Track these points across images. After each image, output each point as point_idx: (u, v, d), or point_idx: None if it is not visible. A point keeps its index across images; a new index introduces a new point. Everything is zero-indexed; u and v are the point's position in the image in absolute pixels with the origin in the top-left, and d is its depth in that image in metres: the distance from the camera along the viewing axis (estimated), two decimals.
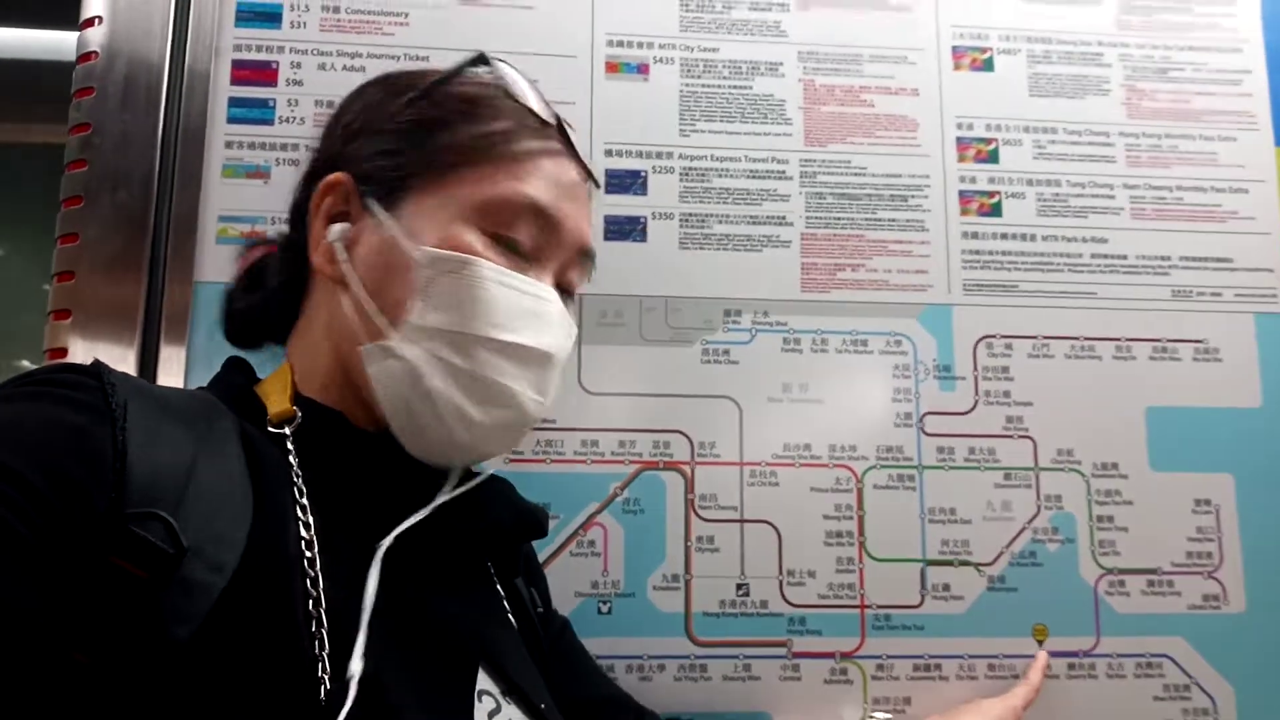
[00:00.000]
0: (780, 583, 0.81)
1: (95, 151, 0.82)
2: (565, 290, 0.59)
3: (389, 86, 0.59)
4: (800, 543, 0.82)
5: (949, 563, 0.83)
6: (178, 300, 0.81)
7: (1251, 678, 0.83)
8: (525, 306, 0.54)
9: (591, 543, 0.81)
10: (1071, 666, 0.82)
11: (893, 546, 0.83)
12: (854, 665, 0.81)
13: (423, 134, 0.55)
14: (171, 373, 0.79)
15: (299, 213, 0.59)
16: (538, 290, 0.55)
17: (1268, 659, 0.83)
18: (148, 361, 0.79)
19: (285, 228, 0.62)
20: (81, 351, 0.79)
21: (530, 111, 0.57)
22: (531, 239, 0.55)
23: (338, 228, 0.55)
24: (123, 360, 0.79)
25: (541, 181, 0.55)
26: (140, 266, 0.81)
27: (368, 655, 0.44)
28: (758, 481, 0.83)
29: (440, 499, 0.53)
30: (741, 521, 0.82)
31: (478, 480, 0.57)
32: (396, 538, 0.50)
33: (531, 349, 0.54)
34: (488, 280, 0.52)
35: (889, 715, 0.77)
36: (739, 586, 0.81)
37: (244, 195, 0.83)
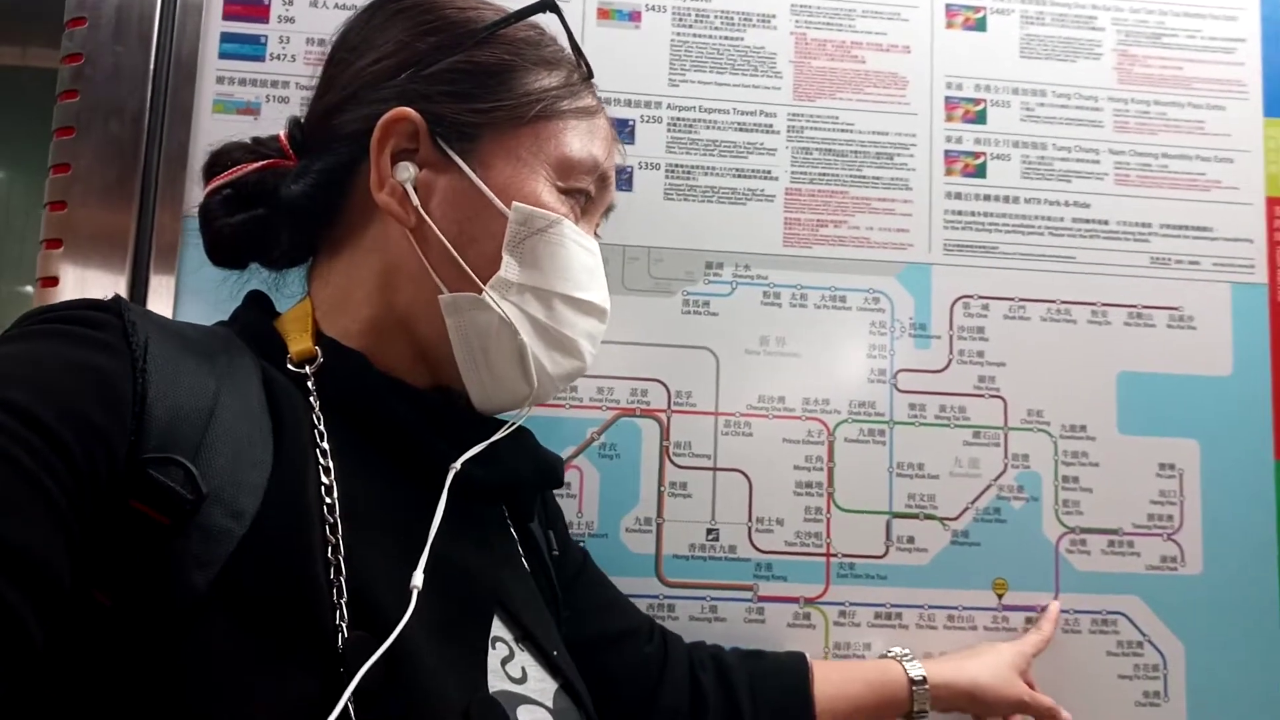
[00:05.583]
0: (749, 529, 0.84)
1: (87, 82, 0.82)
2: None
3: (429, 20, 0.55)
4: (770, 491, 0.84)
5: (914, 515, 0.85)
6: (168, 232, 0.82)
7: (1203, 637, 0.85)
8: (590, 264, 0.57)
9: (568, 484, 0.83)
10: (1029, 620, 0.85)
11: (860, 498, 0.85)
12: (817, 610, 0.83)
13: (495, 79, 0.54)
14: (161, 303, 0.81)
15: (328, 139, 0.55)
16: (593, 246, 0.57)
17: (1220, 618, 0.85)
18: (138, 291, 0.81)
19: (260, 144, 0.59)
20: (73, 280, 0.81)
21: (579, 64, 0.58)
22: (589, 196, 0.57)
23: (405, 167, 0.53)
24: (113, 290, 0.80)
25: (602, 141, 0.57)
26: (131, 198, 0.82)
27: (383, 603, 0.44)
28: (731, 431, 0.85)
29: (497, 436, 0.56)
30: (714, 469, 0.84)
31: (514, 425, 0.58)
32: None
33: (597, 305, 0.57)
34: (568, 239, 0.54)
35: (907, 650, 0.80)
36: (709, 531, 0.83)
37: (234, 131, 0.82)
